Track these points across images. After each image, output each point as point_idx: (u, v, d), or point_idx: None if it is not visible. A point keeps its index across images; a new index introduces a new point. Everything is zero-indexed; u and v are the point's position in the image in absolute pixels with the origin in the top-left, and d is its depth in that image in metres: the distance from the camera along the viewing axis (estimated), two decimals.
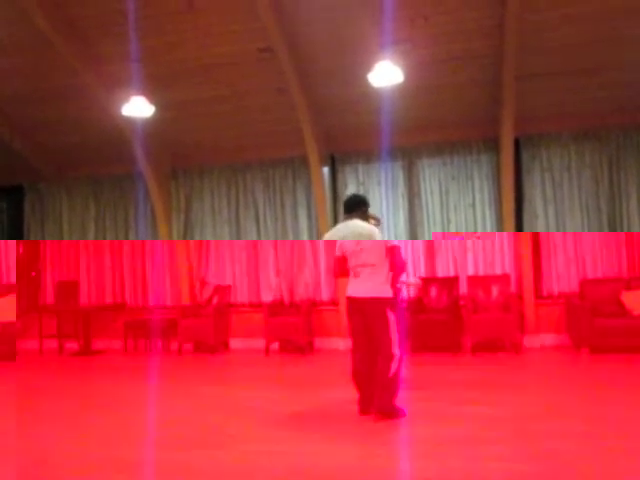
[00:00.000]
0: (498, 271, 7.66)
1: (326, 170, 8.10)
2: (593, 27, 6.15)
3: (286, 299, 8.19)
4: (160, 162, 8.52)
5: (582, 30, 6.18)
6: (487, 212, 7.76)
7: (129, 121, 7.46)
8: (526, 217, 7.59)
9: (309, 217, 8.29)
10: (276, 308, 8.05)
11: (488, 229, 7.75)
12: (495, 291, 7.43)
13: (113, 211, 9.17)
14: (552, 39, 6.30)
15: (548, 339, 7.36)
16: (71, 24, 6.64)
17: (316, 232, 8.15)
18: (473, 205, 7.78)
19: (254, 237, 8.48)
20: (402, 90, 6.49)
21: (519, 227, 7.56)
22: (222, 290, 8.59)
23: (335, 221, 8.18)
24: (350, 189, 8.20)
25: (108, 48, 6.89)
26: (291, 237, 8.26)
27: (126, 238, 9.08)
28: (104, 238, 9.19)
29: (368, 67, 5.72)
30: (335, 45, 6.62)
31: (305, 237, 8.32)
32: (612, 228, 7.38)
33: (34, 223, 9.56)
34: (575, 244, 7.47)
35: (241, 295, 8.62)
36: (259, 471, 3.33)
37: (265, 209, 8.46)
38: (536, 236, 7.45)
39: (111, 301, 9.07)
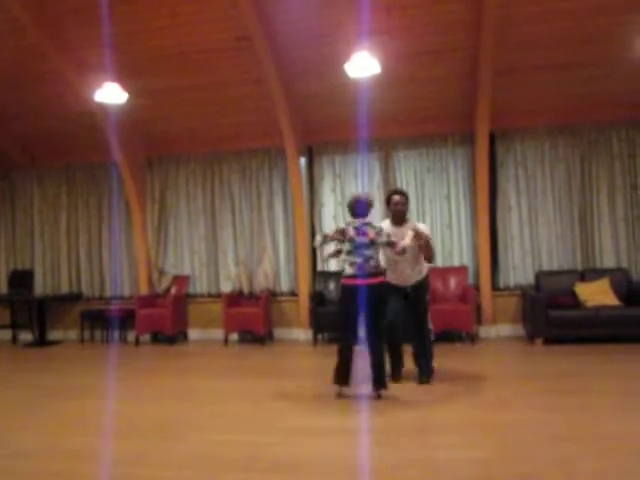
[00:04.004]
0: (456, 263, 7.80)
1: (303, 161, 8.09)
2: (570, 23, 6.22)
3: (245, 290, 8.18)
4: (134, 150, 8.40)
5: (559, 26, 6.26)
6: (462, 204, 7.85)
7: (103, 108, 7.33)
8: (499, 209, 7.70)
9: (285, 207, 8.27)
10: (235, 299, 8.04)
11: (463, 221, 7.85)
12: (453, 283, 7.59)
13: (86, 200, 9.00)
14: (529, 34, 6.36)
15: (504, 330, 7.55)
16: (43, 7, 6.48)
17: (292, 223, 8.13)
18: (448, 197, 7.86)
19: (229, 227, 8.43)
20: (379, 81, 6.50)
21: (493, 219, 7.66)
22: (180, 280, 8.54)
23: (311, 212, 8.20)
24: (327, 180, 8.21)
25: (82, 34, 6.74)
26: (267, 227, 8.24)
27: (99, 228, 8.93)
28: (76, 228, 9.02)
29: (345, 58, 5.70)
30: (313, 35, 6.59)
31: (281, 227, 8.31)
32: (583, 220, 7.52)
33: (4, 211, 9.35)
34: (531, 237, 7.65)
35: (200, 285, 8.59)
36: (216, 460, 3.35)
37: (241, 199, 8.41)
38: (493, 229, 7.60)
39: (67, 291, 8.94)
